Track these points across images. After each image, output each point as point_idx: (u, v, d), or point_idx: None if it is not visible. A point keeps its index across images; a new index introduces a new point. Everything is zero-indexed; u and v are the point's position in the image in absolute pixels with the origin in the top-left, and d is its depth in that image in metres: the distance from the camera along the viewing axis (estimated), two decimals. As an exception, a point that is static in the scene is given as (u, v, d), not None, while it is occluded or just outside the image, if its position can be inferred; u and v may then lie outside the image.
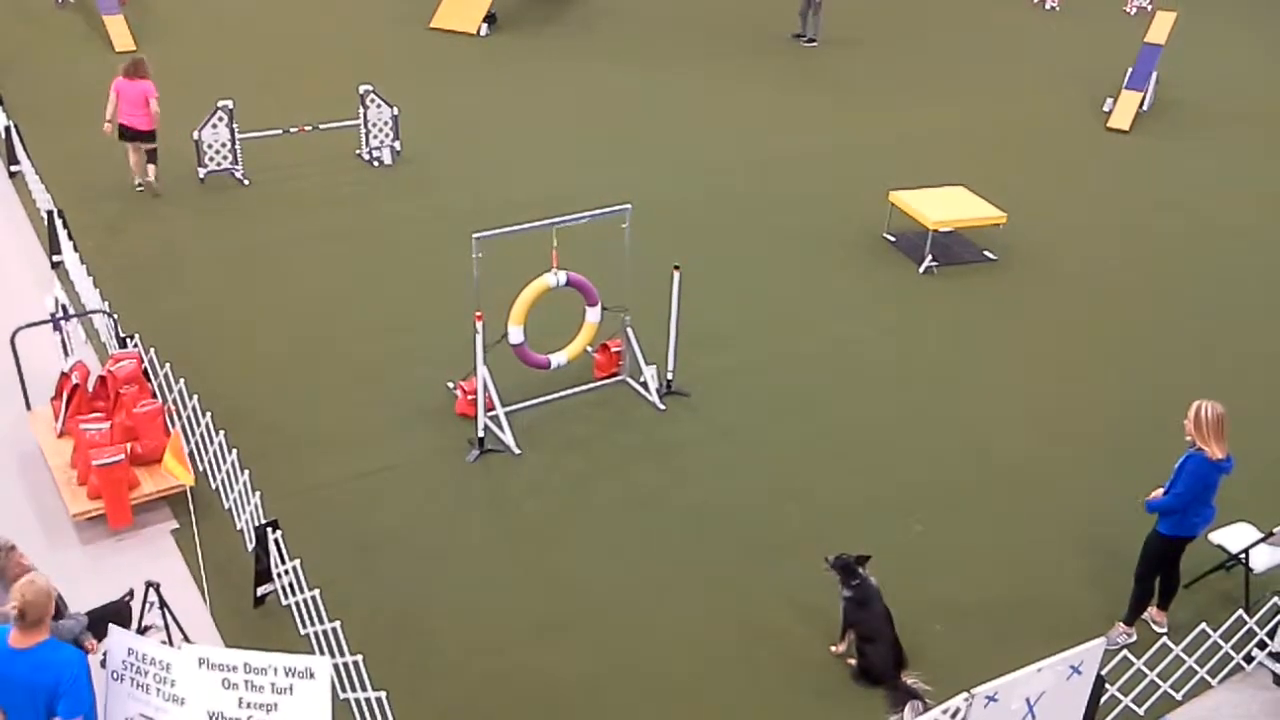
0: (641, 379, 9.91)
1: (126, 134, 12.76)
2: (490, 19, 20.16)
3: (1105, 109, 17.47)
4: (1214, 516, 7.33)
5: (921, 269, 12.38)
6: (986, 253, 12.81)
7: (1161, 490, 7.25)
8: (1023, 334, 11.39)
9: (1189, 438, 7.06)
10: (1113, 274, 12.66)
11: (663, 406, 9.80)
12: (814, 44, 20.44)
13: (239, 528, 8.06)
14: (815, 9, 20.36)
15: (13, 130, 13.29)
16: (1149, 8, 23.42)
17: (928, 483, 9.09)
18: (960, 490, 9.03)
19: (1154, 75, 17.60)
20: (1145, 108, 17.57)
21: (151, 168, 13.02)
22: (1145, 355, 11.09)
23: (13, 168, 13.45)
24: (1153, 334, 11.49)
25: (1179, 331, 11.58)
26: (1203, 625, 7.10)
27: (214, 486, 8.40)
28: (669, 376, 9.97)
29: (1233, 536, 7.93)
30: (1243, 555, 7.79)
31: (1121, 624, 7.61)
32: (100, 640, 6.06)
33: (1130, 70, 17.53)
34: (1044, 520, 8.74)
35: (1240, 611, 7.32)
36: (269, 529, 7.23)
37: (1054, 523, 8.71)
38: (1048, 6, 24.33)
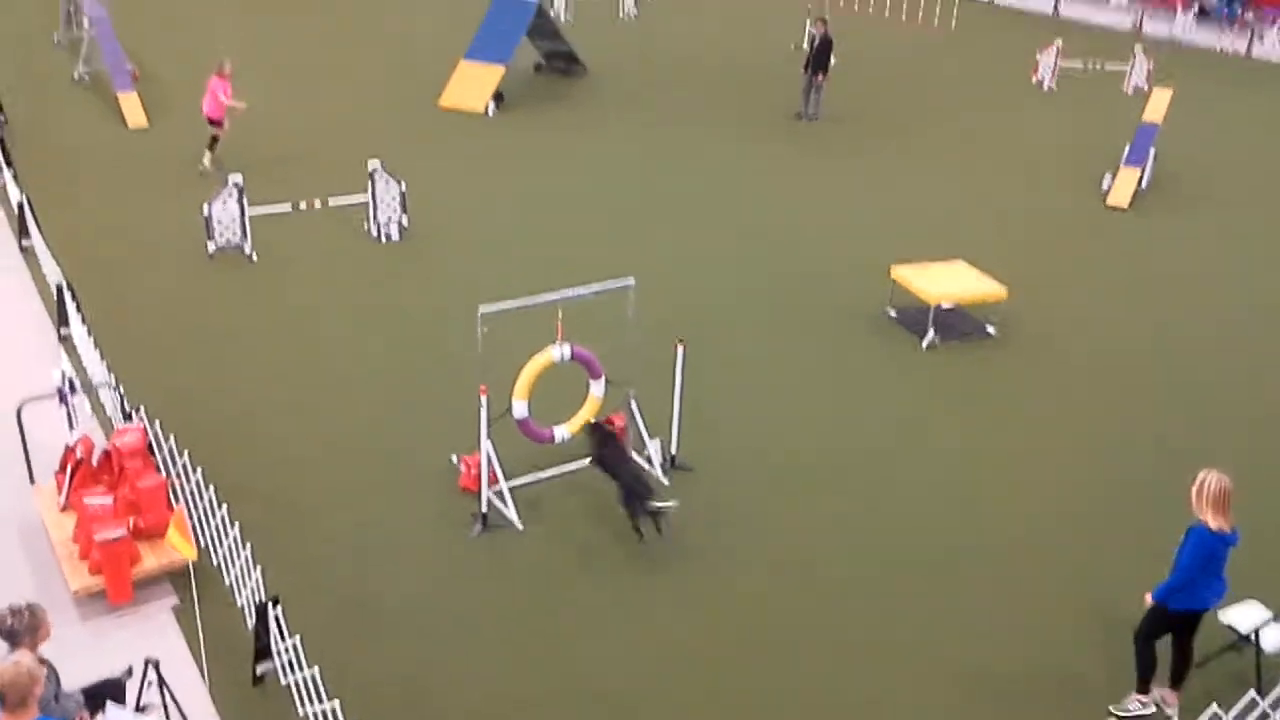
0: (645, 453, 9.90)
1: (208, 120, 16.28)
2: (498, 98, 20.52)
3: (1104, 186, 17.66)
4: (1225, 590, 7.26)
5: (924, 344, 12.43)
6: (988, 327, 12.88)
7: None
8: (1026, 407, 11.38)
9: (1194, 508, 7.03)
10: (1114, 348, 12.70)
11: (667, 481, 9.78)
12: (815, 121, 20.77)
13: (239, 604, 8.00)
14: (816, 89, 20.72)
15: (25, 204, 13.47)
16: (1145, 87, 23.79)
17: (932, 555, 9.03)
18: (964, 562, 8.96)
19: (1152, 152, 17.83)
20: (1144, 185, 17.77)
21: (207, 153, 16.20)
22: (1148, 428, 11.07)
23: (24, 241, 13.60)
24: (1155, 407, 11.48)
25: (1182, 404, 11.57)
26: (1214, 707, 6.99)
27: (215, 562, 8.35)
28: (673, 451, 9.96)
29: (1242, 615, 7.84)
30: (1253, 635, 7.71)
31: (1135, 694, 7.51)
32: (94, 717, 5.99)
33: (1128, 148, 17.77)
34: (1049, 591, 8.66)
35: (1252, 693, 7.22)
36: (269, 605, 7.18)
37: (1059, 593, 8.63)
38: (1045, 87, 24.73)
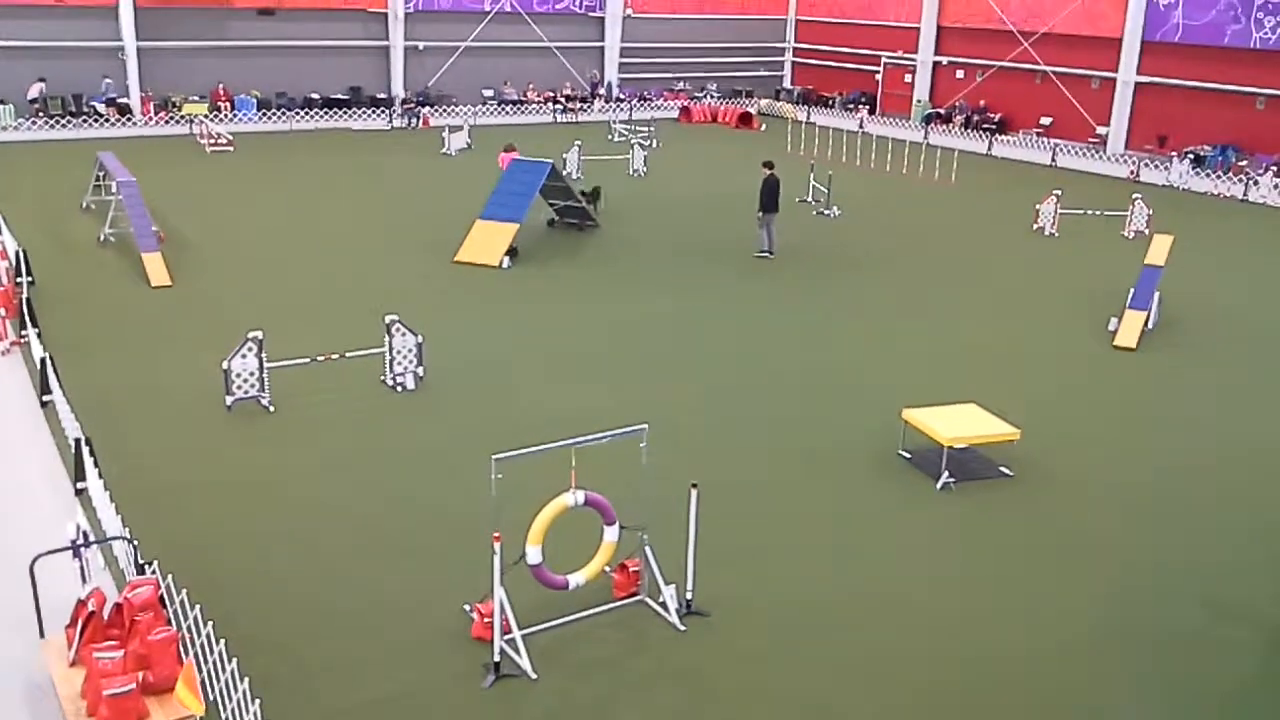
0: (661, 599, 9.78)
1: None
2: (512, 252, 21.05)
3: (1110, 328, 17.85)
4: None
5: (939, 485, 12.38)
6: (1003, 469, 12.83)
7: None
8: (1042, 548, 11.23)
9: None
10: (1130, 489, 12.59)
11: (683, 627, 9.62)
12: (769, 256, 22.03)
13: (247, 760, 7.81)
14: (766, 225, 22.15)
15: (48, 361, 13.72)
16: (1146, 232, 24.28)
17: (950, 699, 8.79)
18: (983, 705, 8.72)
19: (1156, 295, 18.06)
20: (1150, 326, 17.95)
21: None
22: (1165, 570, 10.90)
23: (45, 397, 13.80)
24: (1172, 549, 11.32)
25: (1199, 545, 11.41)
26: None
27: (224, 716, 8.19)
28: (689, 596, 9.84)
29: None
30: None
31: None
32: None
33: (1132, 291, 18.02)
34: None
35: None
36: (278, 760, 7.02)
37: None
38: (1047, 232, 25.25)
